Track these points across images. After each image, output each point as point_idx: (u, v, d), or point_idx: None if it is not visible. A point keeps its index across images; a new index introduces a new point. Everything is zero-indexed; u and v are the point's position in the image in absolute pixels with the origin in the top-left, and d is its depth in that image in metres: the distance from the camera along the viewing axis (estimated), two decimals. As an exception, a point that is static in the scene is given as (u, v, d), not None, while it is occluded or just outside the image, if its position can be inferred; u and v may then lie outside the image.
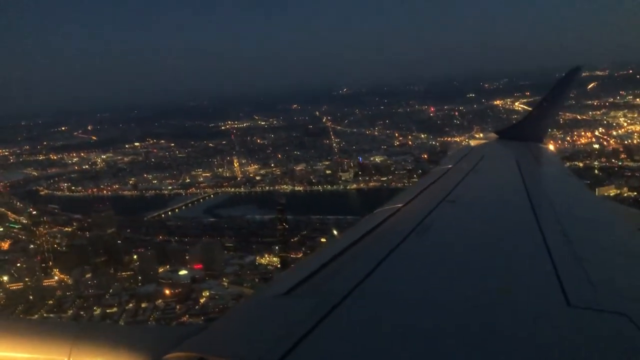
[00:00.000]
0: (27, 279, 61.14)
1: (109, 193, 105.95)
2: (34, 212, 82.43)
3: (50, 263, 65.70)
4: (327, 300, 2.86)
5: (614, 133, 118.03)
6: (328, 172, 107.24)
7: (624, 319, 2.61)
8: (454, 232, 4.82)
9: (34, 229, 71.34)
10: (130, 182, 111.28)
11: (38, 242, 68.26)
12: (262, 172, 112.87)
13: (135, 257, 65.99)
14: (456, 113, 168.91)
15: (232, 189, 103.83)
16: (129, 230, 77.81)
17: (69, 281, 62.98)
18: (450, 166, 8.45)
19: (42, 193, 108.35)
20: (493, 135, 11.80)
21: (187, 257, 64.70)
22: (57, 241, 73.79)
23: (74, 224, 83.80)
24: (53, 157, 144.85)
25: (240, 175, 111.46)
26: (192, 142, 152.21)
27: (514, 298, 3.05)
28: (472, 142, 12.08)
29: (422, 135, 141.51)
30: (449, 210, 5.33)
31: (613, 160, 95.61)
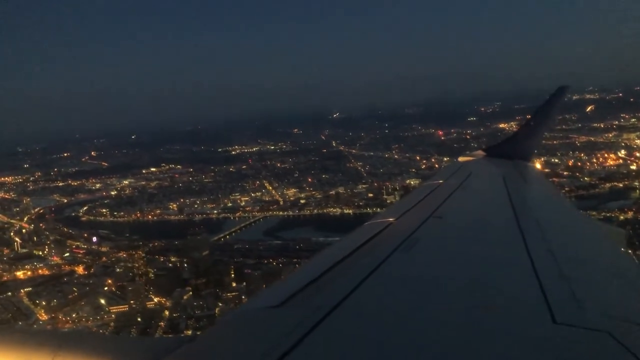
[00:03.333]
0: (132, 301, 63.68)
1: (155, 218, 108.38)
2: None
3: (147, 285, 68.36)
4: (314, 313, 2.95)
5: (638, 154, 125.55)
6: (370, 195, 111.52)
7: (608, 336, 2.71)
8: (440, 248, 4.95)
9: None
10: (172, 206, 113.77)
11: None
12: (302, 195, 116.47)
13: (232, 277, 69.00)
14: (468, 137, 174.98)
15: (280, 213, 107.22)
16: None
17: (168, 303, 65.56)
18: (438, 182, 8.61)
19: (83, 219, 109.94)
20: (481, 152, 12.14)
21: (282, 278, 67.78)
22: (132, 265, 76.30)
23: (138, 248, 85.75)
24: (73, 183, 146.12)
25: (281, 199, 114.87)
26: (212, 167, 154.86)
27: (500, 315, 3.12)
28: (460, 159, 12.17)
29: (445, 159, 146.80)
30: (436, 226, 5.51)
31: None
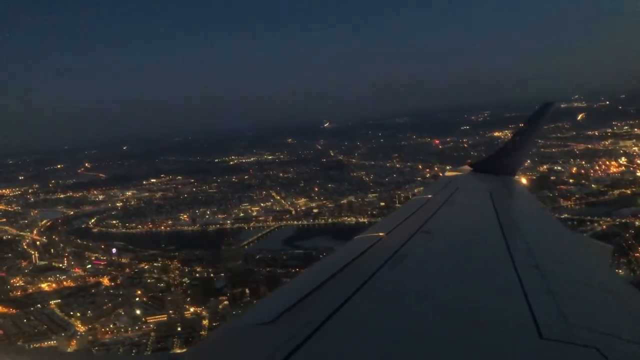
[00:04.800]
0: (170, 311, 64.35)
1: (167, 228, 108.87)
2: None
3: (184, 295, 69.10)
4: (299, 331, 2.97)
5: (639, 161, 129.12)
6: (382, 204, 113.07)
7: (595, 352, 2.75)
8: (428, 264, 5.00)
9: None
10: (182, 217, 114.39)
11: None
12: (313, 205, 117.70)
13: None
14: (465, 145, 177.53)
15: (294, 222, 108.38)
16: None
17: (205, 313, 66.30)
18: (426, 197, 8.67)
19: (94, 230, 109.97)
20: (467, 167, 12.31)
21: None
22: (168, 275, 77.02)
23: (159, 259, 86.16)
24: (74, 195, 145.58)
25: (292, 209, 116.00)
26: (214, 178, 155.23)
27: (487, 330, 3.15)
28: (448, 174, 12.38)
29: (448, 167, 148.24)
30: (424, 242, 5.56)
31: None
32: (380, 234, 5.79)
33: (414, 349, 2.87)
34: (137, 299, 71.25)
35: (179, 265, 74.93)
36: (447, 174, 12.39)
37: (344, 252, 5.43)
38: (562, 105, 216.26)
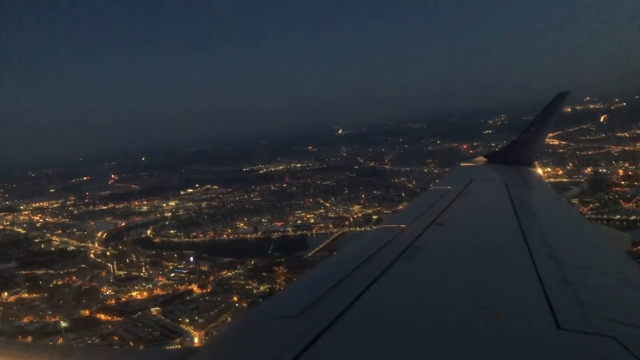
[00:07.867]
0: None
1: (230, 237, 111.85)
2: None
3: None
4: (315, 325, 3.03)
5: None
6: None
7: (613, 341, 2.81)
8: (443, 255, 5.15)
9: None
10: (240, 225, 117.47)
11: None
12: (369, 211, 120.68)
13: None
14: (497, 149, 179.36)
15: (357, 228, 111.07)
16: (308, 270, 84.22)
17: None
18: (441, 188, 8.92)
19: (155, 240, 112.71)
20: (482, 158, 12.63)
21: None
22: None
23: (238, 266, 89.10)
24: (117, 206, 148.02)
25: (349, 215, 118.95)
26: (253, 187, 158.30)
27: (504, 321, 3.21)
28: (463, 164, 12.68)
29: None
30: (440, 233, 5.74)
31: None
32: (400, 225, 6.11)
33: (432, 339, 3.02)
34: (237, 304, 74.04)
35: (285, 270, 77.84)
36: (462, 164, 12.78)
37: (362, 245, 5.82)
38: (578, 107, 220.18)
